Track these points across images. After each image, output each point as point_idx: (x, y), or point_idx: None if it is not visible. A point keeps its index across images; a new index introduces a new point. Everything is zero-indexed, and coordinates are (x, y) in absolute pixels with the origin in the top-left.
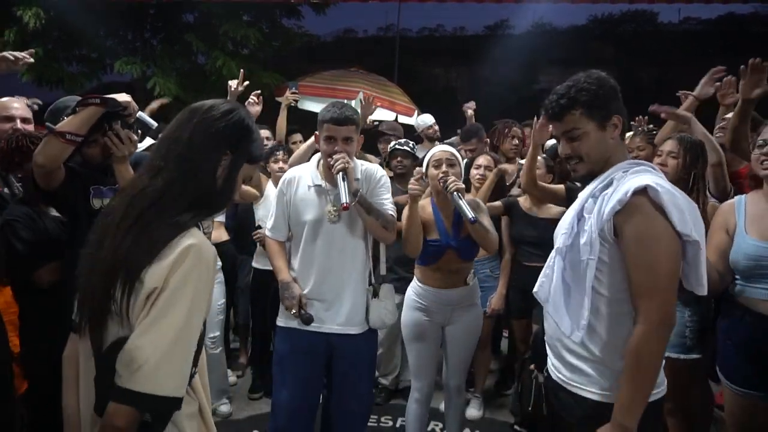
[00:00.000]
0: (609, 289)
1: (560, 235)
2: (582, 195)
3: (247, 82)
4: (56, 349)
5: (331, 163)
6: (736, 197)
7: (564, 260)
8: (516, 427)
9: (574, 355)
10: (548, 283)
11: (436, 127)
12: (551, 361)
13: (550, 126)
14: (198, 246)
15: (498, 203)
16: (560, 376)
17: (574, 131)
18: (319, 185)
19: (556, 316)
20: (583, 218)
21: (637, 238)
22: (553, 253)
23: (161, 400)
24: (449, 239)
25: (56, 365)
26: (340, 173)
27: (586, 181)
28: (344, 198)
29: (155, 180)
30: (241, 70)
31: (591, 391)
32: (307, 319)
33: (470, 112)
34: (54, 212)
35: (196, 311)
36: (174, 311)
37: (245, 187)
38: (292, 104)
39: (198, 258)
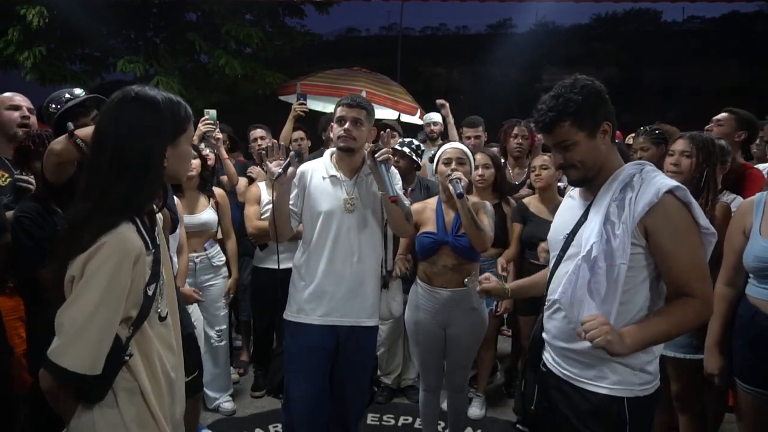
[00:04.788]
0: (625, 293)
1: (590, 243)
2: (599, 202)
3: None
4: None
5: (377, 157)
6: (757, 195)
7: (593, 266)
8: (518, 426)
9: (585, 356)
10: (571, 288)
11: (437, 127)
12: (554, 359)
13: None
14: (111, 242)
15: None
16: (566, 372)
17: (565, 142)
18: (334, 176)
19: (581, 320)
20: (613, 223)
21: (674, 232)
22: (578, 260)
23: (68, 372)
24: (445, 235)
25: None
26: (383, 164)
27: (579, 185)
28: (390, 189)
29: None
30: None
31: (600, 386)
32: (297, 153)
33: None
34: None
35: (111, 301)
36: (85, 298)
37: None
38: (302, 115)
39: (109, 254)
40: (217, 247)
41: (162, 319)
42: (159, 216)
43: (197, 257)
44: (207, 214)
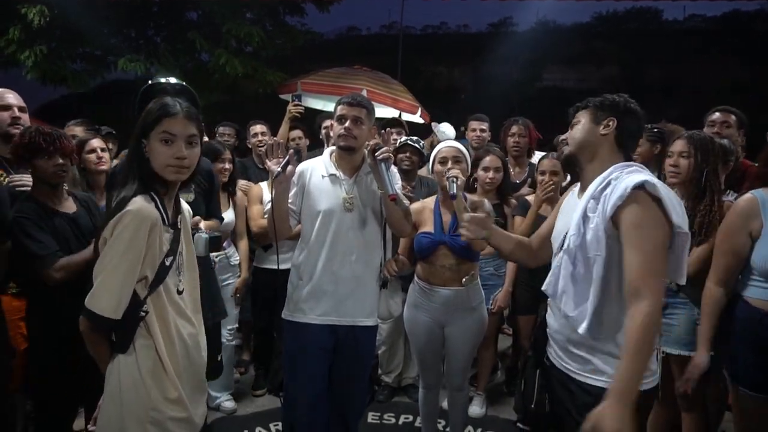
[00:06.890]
0: (618, 284)
1: (569, 236)
2: (583, 199)
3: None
4: (64, 342)
5: (377, 155)
6: (759, 195)
7: (573, 259)
8: (519, 424)
9: (581, 348)
10: (555, 280)
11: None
12: (556, 353)
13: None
14: (132, 211)
15: (518, 218)
16: (567, 366)
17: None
18: (334, 174)
19: (565, 310)
20: (588, 218)
21: (636, 224)
22: (560, 253)
23: (98, 316)
24: (443, 235)
25: (63, 359)
26: (383, 163)
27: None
28: (390, 188)
29: None
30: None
31: (599, 380)
32: (296, 151)
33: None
34: (62, 209)
35: (130, 256)
36: (111, 253)
37: (260, 222)
38: (297, 116)
39: (130, 219)
40: (233, 247)
41: (179, 292)
42: (188, 209)
43: (217, 256)
44: (229, 214)
